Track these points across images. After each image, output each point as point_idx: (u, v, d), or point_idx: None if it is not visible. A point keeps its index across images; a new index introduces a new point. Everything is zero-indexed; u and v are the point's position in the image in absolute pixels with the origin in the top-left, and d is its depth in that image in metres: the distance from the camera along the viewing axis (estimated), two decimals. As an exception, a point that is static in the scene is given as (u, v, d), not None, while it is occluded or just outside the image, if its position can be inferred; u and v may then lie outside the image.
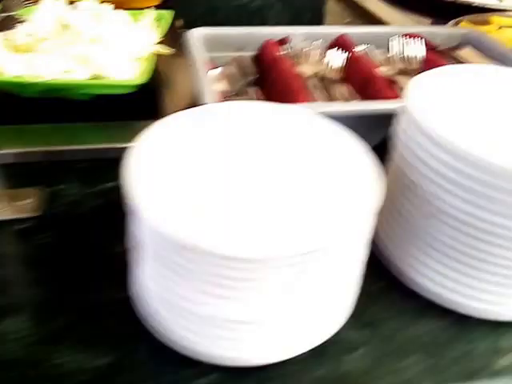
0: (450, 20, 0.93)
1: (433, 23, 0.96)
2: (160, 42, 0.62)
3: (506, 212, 0.30)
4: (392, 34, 0.67)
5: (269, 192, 0.30)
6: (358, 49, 0.65)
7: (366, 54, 0.64)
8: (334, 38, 0.66)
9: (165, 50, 0.58)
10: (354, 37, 0.66)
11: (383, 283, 0.37)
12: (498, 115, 0.35)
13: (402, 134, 0.35)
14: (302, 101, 0.51)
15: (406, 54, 0.65)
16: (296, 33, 0.65)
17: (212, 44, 0.63)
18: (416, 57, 0.64)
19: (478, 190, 0.30)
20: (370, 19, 0.98)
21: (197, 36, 0.61)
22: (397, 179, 0.36)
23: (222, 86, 0.59)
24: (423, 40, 0.66)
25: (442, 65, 0.61)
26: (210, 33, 0.62)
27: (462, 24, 0.91)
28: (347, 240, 0.29)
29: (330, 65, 0.63)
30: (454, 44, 0.70)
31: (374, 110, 0.50)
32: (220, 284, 0.26)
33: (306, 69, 0.61)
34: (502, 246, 0.31)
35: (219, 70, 0.61)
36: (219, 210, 0.27)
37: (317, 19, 0.94)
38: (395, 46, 0.65)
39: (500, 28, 0.93)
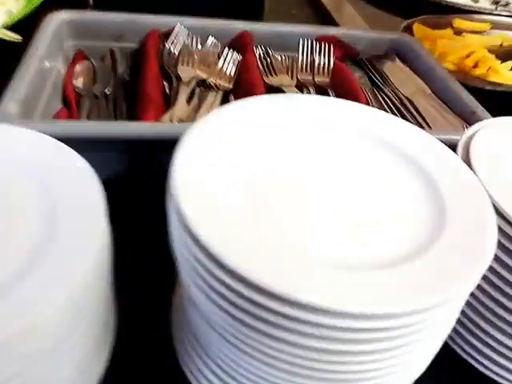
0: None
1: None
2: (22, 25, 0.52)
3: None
4: (304, 36, 0.57)
5: None
6: (258, 51, 0.55)
7: (264, 57, 0.54)
8: (234, 34, 0.56)
9: (10, 35, 0.48)
10: (260, 35, 0.57)
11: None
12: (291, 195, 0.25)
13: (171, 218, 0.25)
14: (144, 117, 0.41)
15: (315, 62, 0.55)
16: (186, 24, 0.55)
17: (82, 31, 0.53)
18: (323, 66, 0.55)
19: (246, 308, 0.21)
20: (320, 12, 0.88)
21: (58, 21, 0.51)
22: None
23: (80, 83, 0.50)
24: (331, 46, 0.55)
25: (348, 78, 0.52)
26: (78, 18, 0.53)
27: (415, 26, 0.80)
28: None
29: (222, 69, 0.53)
30: (381, 51, 0.60)
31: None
32: None
33: (187, 72, 0.51)
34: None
35: (84, 63, 0.52)
36: None
37: (254, 7, 0.84)
38: (303, 51, 0.56)
39: (460, 34, 0.82)
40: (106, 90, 0.49)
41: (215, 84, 0.51)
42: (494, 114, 0.48)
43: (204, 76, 0.51)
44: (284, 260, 0.21)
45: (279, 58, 0.55)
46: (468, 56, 0.72)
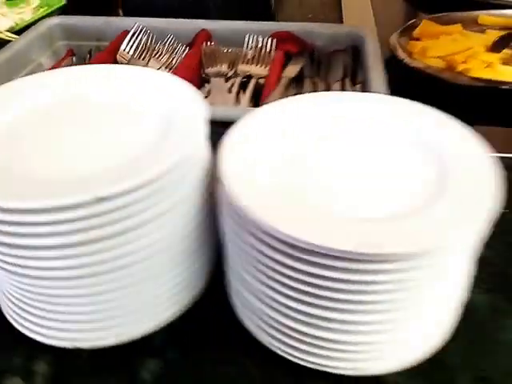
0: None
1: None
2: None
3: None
4: (260, 33, 0.60)
5: None
6: (208, 45, 0.60)
7: (210, 50, 0.59)
8: (194, 33, 0.62)
9: (8, 35, 0.62)
10: (217, 33, 0.62)
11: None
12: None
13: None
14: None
15: (255, 55, 0.58)
16: (149, 24, 0.62)
17: (71, 33, 0.64)
18: (264, 59, 0.57)
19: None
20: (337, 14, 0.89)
21: (51, 24, 0.63)
22: None
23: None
24: (274, 41, 0.58)
25: (272, 68, 0.54)
26: (66, 22, 0.64)
27: (423, 21, 0.76)
28: None
29: (172, 62, 0.60)
30: (343, 46, 0.60)
31: None
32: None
33: (137, 64, 0.58)
34: None
35: (67, 60, 0.63)
36: None
37: (267, 12, 0.88)
38: (247, 46, 0.59)
39: (484, 30, 0.75)
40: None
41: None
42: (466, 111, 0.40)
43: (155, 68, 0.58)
44: None
45: (225, 51, 0.59)
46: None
